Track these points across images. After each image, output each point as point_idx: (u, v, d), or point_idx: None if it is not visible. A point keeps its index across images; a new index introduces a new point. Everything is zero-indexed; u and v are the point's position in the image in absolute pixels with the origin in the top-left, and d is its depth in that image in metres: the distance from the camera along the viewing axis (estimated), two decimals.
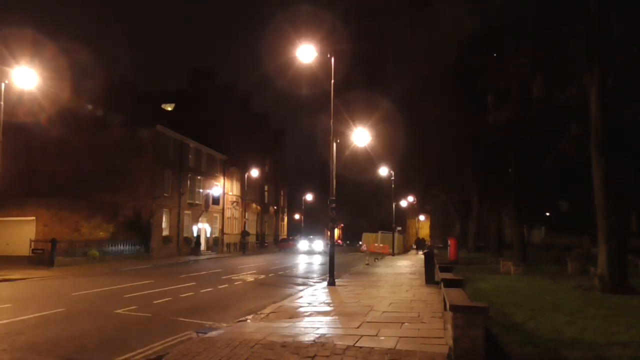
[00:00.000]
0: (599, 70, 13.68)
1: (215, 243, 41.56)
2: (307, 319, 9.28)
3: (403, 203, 58.02)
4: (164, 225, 33.80)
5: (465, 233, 47.72)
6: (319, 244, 44.31)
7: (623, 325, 8.40)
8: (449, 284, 9.71)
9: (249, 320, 9.06)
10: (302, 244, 45.55)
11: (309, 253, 41.19)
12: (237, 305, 11.79)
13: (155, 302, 11.99)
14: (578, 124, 19.42)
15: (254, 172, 47.56)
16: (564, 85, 18.55)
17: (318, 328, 8.14)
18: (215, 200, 41.54)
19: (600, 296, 12.45)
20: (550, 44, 17.20)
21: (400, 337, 7.43)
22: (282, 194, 64.43)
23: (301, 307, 10.73)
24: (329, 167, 16.19)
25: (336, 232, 44.44)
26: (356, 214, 74.51)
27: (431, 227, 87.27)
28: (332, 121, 15.86)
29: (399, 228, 48.36)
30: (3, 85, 18.05)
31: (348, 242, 76.70)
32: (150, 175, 32.36)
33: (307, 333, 7.71)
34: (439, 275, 13.06)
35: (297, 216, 74.03)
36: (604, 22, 13.63)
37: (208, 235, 41.21)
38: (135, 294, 13.34)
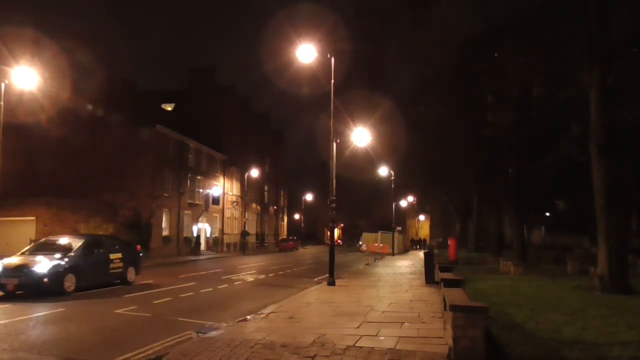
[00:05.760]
0: (599, 71, 13.68)
1: (215, 243, 41.58)
2: (307, 318, 9.28)
3: (403, 203, 58.07)
4: (163, 225, 33.80)
5: (465, 233, 47.71)
6: (44, 265, 12.74)
7: (623, 325, 8.39)
8: (448, 283, 9.71)
9: (249, 320, 9.06)
10: None
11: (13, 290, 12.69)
12: (237, 305, 11.79)
13: (155, 301, 11.99)
14: (578, 124, 19.45)
15: (254, 172, 47.56)
16: (564, 86, 18.56)
17: (318, 328, 8.14)
18: (215, 200, 41.54)
19: (600, 296, 12.44)
20: (550, 44, 17.20)
21: (400, 337, 7.43)
22: (282, 194, 64.44)
23: (301, 307, 10.73)
24: (329, 167, 16.19)
25: (336, 232, 42.95)
26: (356, 214, 74.48)
27: (431, 227, 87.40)
28: (332, 121, 15.85)
29: (399, 228, 48.33)
30: (3, 85, 18.04)
31: (347, 242, 76.68)
32: (150, 175, 32.36)
33: (307, 333, 7.71)
34: (439, 275, 13.06)
35: (297, 216, 74.01)
36: (604, 22, 13.63)
37: (208, 235, 41.22)
38: (135, 294, 13.34)
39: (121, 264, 15.41)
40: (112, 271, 15.05)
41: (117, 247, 15.91)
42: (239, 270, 22.23)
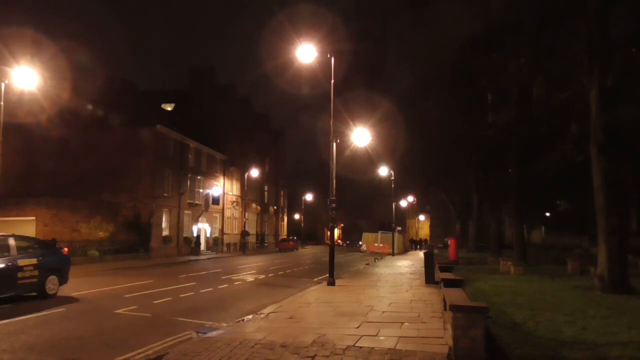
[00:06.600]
0: (599, 71, 13.68)
1: (215, 243, 41.57)
2: (307, 318, 9.28)
3: (403, 203, 58.07)
4: (163, 225, 33.80)
5: (465, 233, 47.72)
6: None
7: (623, 325, 8.39)
8: (448, 283, 9.72)
9: (249, 320, 9.06)
10: None
11: None
12: (237, 305, 11.79)
13: (155, 302, 11.99)
14: (578, 124, 19.43)
15: (254, 172, 47.57)
16: (564, 86, 18.56)
17: (318, 328, 8.14)
18: (215, 200, 41.55)
19: (600, 296, 12.44)
20: (551, 44, 17.20)
21: (400, 337, 7.43)
22: (282, 194, 64.44)
23: (301, 307, 10.73)
24: (329, 167, 16.19)
25: (336, 232, 42.72)
26: (356, 214, 74.50)
27: (431, 227, 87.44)
28: (332, 121, 15.86)
29: (399, 228, 48.33)
30: (3, 85, 18.04)
31: (348, 242, 76.72)
32: (150, 175, 32.37)
33: (307, 333, 7.71)
34: (439, 275, 13.06)
35: (297, 216, 74.02)
36: (604, 22, 13.63)
37: (208, 235, 41.22)
38: (135, 294, 13.34)
39: (36, 272, 12.06)
40: (21, 281, 11.73)
41: (31, 250, 12.45)
42: (239, 271, 22.23)
